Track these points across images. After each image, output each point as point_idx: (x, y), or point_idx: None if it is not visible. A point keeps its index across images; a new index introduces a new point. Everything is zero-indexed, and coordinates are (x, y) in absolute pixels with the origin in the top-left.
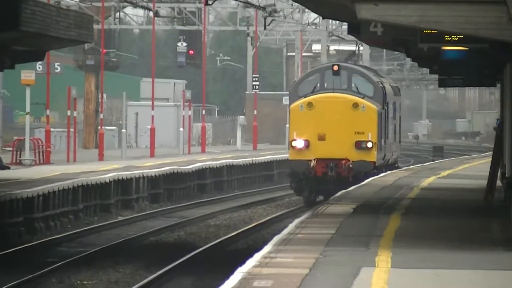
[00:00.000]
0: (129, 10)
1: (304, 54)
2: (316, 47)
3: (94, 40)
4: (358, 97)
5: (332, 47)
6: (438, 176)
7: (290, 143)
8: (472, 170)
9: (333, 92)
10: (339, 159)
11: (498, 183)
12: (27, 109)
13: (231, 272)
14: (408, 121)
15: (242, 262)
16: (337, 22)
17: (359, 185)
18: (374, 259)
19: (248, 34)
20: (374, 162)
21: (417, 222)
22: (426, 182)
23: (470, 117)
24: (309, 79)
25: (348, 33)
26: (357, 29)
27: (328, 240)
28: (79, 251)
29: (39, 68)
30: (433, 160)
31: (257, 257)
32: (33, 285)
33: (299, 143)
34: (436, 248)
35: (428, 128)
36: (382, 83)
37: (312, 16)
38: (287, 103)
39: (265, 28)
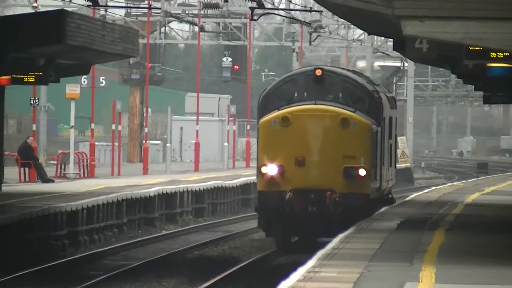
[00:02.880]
0: (174, 24)
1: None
2: (361, 63)
3: (139, 54)
4: (348, 110)
5: (377, 63)
6: (482, 192)
7: (259, 169)
8: None
9: (315, 104)
10: (323, 191)
11: None
12: (72, 122)
13: (275, 286)
14: (453, 137)
15: (286, 276)
16: (383, 38)
17: (403, 201)
18: (418, 275)
19: (293, 50)
20: (368, 195)
21: (461, 238)
22: (471, 198)
23: None
24: (284, 87)
25: (393, 49)
26: (403, 46)
27: (372, 255)
28: (123, 265)
29: (84, 82)
30: (477, 177)
31: (301, 271)
32: None
33: (271, 170)
34: (480, 264)
35: (472, 145)
36: (377, 93)
37: (358, 33)
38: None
39: (310, 44)
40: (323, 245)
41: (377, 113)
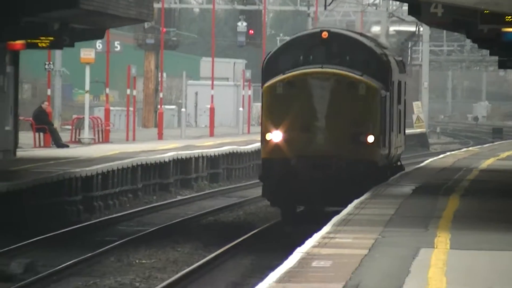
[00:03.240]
0: None
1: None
2: (376, 28)
3: (154, 19)
4: (356, 74)
5: (392, 28)
6: (497, 158)
7: (263, 135)
8: None
9: (321, 68)
10: (329, 157)
11: None
12: (87, 87)
13: (290, 252)
14: (468, 102)
15: (301, 242)
16: (398, 3)
17: (418, 166)
18: (433, 240)
19: (308, 14)
20: (376, 163)
21: (476, 204)
22: (485, 164)
23: None
24: (289, 50)
25: (408, 14)
26: (418, 10)
27: (387, 221)
28: (138, 230)
29: (99, 46)
30: (492, 142)
31: (316, 237)
32: (92, 264)
33: (275, 136)
34: (495, 230)
35: (487, 110)
36: (386, 56)
37: None
38: None
39: (325, 8)
40: (329, 215)
41: (386, 77)
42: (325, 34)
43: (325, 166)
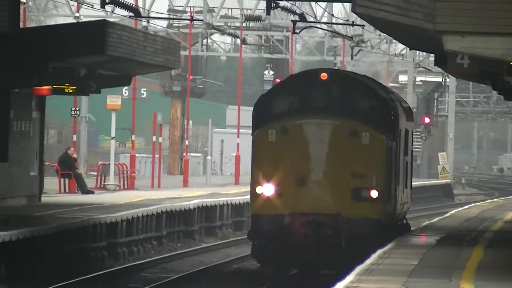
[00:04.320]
0: (216, 37)
1: (390, 84)
2: (403, 78)
3: (181, 66)
4: (358, 121)
5: (418, 78)
6: None
7: (253, 188)
8: None
9: (320, 114)
10: (327, 215)
11: None
12: (113, 134)
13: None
14: (493, 154)
15: (347, 271)
16: (424, 53)
17: (443, 216)
18: None
19: (335, 64)
20: (380, 221)
21: (500, 255)
22: (510, 215)
23: None
24: (283, 93)
25: (435, 65)
26: (444, 61)
27: (410, 271)
28: (162, 277)
29: (125, 93)
30: None
31: (339, 286)
32: None
33: (266, 190)
34: None
35: None
36: (393, 101)
37: (400, 47)
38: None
39: (352, 58)
40: (327, 279)
41: (392, 125)
42: (324, 75)
43: (322, 225)
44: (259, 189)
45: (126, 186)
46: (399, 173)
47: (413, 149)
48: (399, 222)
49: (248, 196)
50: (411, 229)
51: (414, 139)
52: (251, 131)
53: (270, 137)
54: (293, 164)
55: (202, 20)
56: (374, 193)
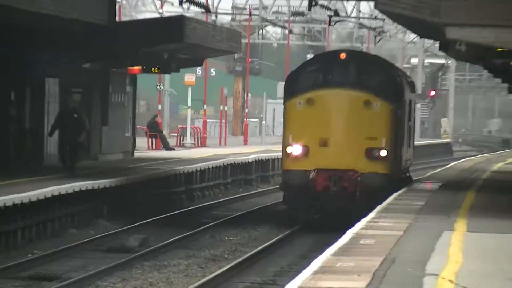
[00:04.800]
0: (269, 28)
1: (404, 65)
2: (414, 60)
3: (241, 51)
4: (371, 93)
5: (426, 60)
6: (505, 162)
7: (284, 149)
8: None
9: (339, 87)
10: (345, 171)
11: None
12: (189, 104)
13: (343, 232)
14: (484, 119)
15: (352, 225)
16: (431, 40)
17: (444, 168)
18: (453, 225)
19: (361, 50)
20: (388, 175)
21: (488, 197)
22: (496, 166)
23: None
24: (309, 69)
25: (439, 50)
26: (446, 47)
27: (419, 209)
28: (227, 214)
29: (199, 72)
30: (501, 150)
31: (363, 221)
32: (191, 240)
33: (296, 150)
34: (502, 218)
35: (499, 125)
36: (400, 77)
37: (412, 36)
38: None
39: (375, 45)
40: (344, 222)
41: (398, 96)
42: (343, 55)
43: (341, 178)
44: (289, 149)
45: (199, 144)
46: (404, 135)
47: (422, 115)
48: (403, 175)
49: None
50: (413, 179)
51: (422, 108)
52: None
53: (298, 106)
54: (317, 128)
55: (258, 15)
56: (383, 153)
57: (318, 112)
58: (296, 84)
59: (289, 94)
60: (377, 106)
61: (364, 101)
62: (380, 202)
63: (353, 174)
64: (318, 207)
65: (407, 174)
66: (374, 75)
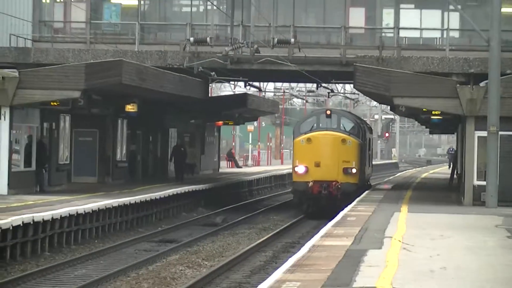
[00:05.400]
0: (295, 99)
1: (370, 119)
2: (376, 116)
3: (279, 112)
4: (346, 134)
5: (383, 116)
6: (429, 172)
7: (293, 168)
8: (444, 171)
9: (326, 131)
10: (331, 181)
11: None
12: (250, 141)
13: (336, 214)
14: (416, 148)
15: (341, 210)
16: (386, 105)
17: (394, 176)
18: (400, 208)
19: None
20: (357, 184)
21: (419, 193)
22: (423, 175)
23: (442, 147)
24: (308, 120)
25: (390, 110)
26: (394, 108)
27: (380, 200)
28: (271, 204)
29: (255, 123)
30: (426, 166)
31: (349, 207)
32: (252, 218)
33: (300, 169)
34: (429, 204)
35: (425, 152)
36: (363, 124)
37: (374, 103)
38: None
39: (353, 107)
40: (329, 213)
41: (362, 136)
42: (328, 112)
43: (328, 186)
44: (296, 168)
45: (256, 165)
46: (366, 159)
47: (381, 147)
48: (366, 183)
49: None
50: (371, 185)
51: (380, 143)
52: (292, 139)
53: (301, 143)
54: (313, 156)
55: (288, 92)
56: (354, 170)
57: (314, 146)
58: (300, 129)
59: (296, 135)
60: (350, 143)
61: (342, 139)
62: (353, 200)
63: (336, 183)
64: (314, 204)
65: (368, 183)
66: (347, 124)
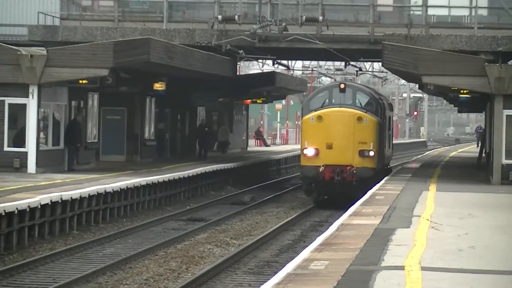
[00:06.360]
0: (323, 78)
1: (399, 98)
2: (405, 94)
3: (307, 90)
4: (362, 111)
5: (412, 94)
6: (457, 151)
7: (302, 151)
8: (473, 149)
9: (340, 107)
10: (345, 166)
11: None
12: (278, 120)
13: (351, 204)
14: (444, 127)
15: (357, 199)
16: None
17: (422, 155)
18: (428, 187)
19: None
20: (375, 168)
21: (447, 171)
22: (452, 154)
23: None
24: (319, 95)
25: (418, 88)
26: (422, 87)
27: (408, 178)
28: (295, 183)
29: (283, 102)
30: (455, 145)
31: (378, 185)
32: (280, 197)
33: (309, 151)
34: (457, 183)
35: (453, 131)
36: (382, 99)
37: (402, 81)
38: None
39: (382, 86)
40: (344, 203)
41: (381, 113)
42: (342, 85)
43: (341, 171)
44: (305, 151)
45: (284, 143)
46: (385, 140)
47: (407, 126)
48: (385, 167)
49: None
50: (392, 169)
51: (408, 121)
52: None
53: (311, 121)
54: (324, 136)
55: (316, 70)
56: (371, 153)
57: (325, 125)
58: (309, 105)
59: (305, 112)
60: (367, 121)
61: (357, 117)
62: (370, 187)
63: (350, 168)
64: (325, 192)
65: (388, 166)
66: (364, 99)
